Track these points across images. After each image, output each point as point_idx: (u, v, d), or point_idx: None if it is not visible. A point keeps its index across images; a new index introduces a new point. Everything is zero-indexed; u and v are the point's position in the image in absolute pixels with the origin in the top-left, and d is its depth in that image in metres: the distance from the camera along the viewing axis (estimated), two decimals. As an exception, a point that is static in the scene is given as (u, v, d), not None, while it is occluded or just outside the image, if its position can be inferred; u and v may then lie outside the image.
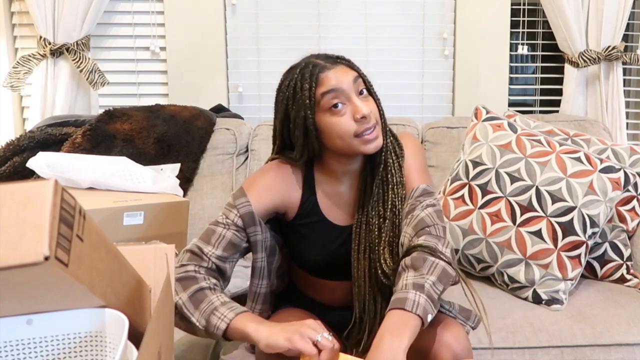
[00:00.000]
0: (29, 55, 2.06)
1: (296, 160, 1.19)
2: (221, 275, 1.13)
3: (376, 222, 1.17)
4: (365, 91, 1.13)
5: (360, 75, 1.14)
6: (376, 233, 1.17)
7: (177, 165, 1.85)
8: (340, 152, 1.15)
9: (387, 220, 1.17)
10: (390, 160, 1.18)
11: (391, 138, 1.21)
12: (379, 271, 1.14)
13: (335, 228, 1.22)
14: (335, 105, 1.09)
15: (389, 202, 1.17)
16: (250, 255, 1.19)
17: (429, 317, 0.98)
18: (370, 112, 1.10)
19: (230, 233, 1.13)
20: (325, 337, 0.94)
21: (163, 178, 1.73)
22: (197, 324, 1.02)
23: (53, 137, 1.81)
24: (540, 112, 2.34)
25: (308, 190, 1.21)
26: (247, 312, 1.03)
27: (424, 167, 1.23)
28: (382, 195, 1.18)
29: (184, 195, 1.82)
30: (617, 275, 1.66)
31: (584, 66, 2.12)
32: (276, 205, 1.19)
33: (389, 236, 1.16)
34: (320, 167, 1.23)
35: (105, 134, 1.81)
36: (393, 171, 1.18)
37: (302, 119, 1.12)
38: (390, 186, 1.17)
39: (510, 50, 2.24)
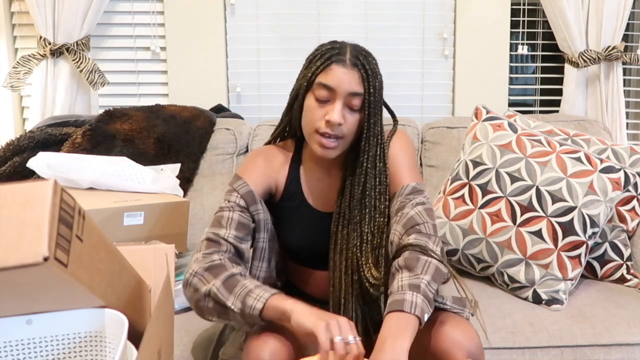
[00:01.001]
0: (29, 55, 2.06)
1: (278, 132, 1.27)
2: (240, 257, 1.15)
3: (356, 218, 1.18)
4: (356, 109, 1.14)
5: (365, 94, 1.14)
6: (358, 231, 1.18)
7: (177, 166, 1.85)
8: (305, 136, 1.20)
9: (365, 223, 1.18)
10: (371, 165, 1.18)
11: (378, 150, 1.19)
12: (363, 273, 1.15)
13: (315, 213, 1.25)
14: (321, 99, 1.14)
15: (368, 204, 1.18)
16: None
17: (426, 317, 0.99)
18: (343, 126, 1.13)
19: (236, 214, 1.16)
20: (342, 342, 0.94)
21: (163, 178, 1.73)
22: (233, 307, 1.03)
23: (53, 137, 1.81)
24: (540, 112, 2.34)
25: (293, 173, 1.26)
26: (281, 293, 1.04)
27: (413, 165, 1.23)
28: (360, 195, 1.19)
29: (184, 196, 1.82)
30: (617, 275, 1.66)
31: (584, 66, 2.12)
32: (269, 183, 1.24)
33: (368, 238, 1.17)
34: (306, 152, 1.27)
35: (105, 134, 1.81)
36: (375, 172, 1.19)
37: (298, 86, 1.19)
38: (368, 187, 1.18)
39: (510, 50, 2.24)
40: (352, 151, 1.20)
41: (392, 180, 1.20)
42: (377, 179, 1.18)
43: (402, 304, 0.98)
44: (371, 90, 1.14)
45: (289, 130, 1.27)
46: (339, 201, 1.21)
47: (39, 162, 1.58)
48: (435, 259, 1.05)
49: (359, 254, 1.17)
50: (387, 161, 1.21)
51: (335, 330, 0.94)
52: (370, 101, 1.14)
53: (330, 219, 1.22)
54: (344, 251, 1.19)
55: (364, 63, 1.14)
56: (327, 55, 1.14)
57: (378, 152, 1.19)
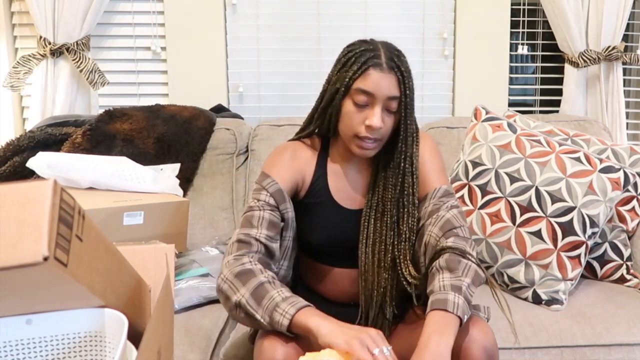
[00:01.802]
0: (29, 55, 2.06)
1: (308, 129, 1.26)
2: (271, 257, 1.15)
3: (394, 217, 1.20)
4: (394, 111, 1.16)
5: (402, 97, 1.15)
6: (395, 230, 1.20)
7: (177, 165, 1.85)
8: (346, 143, 1.20)
9: (404, 222, 1.19)
10: (408, 164, 1.20)
11: (414, 148, 1.22)
12: (401, 270, 1.17)
13: (341, 209, 1.25)
14: (360, 104, 1.14)
15: (407, 202, 1.20)
16: None
17: (465, 318, 1.02)
18: (382, 128, 1.14)
19: (267, 213, 1.15)
20: (383, 354, 0.94)
21: (163, 178, 1.73)
22: (262, 320, 1.02)
23: (53, 137, 1.81)
24: (540, 112, 2.34)
25: (320, 169, 1.26)
26: (309, 306, 1.03)
27: (443, 169, 1.26)
28: (398, 194, 1.20)
29: (184, 195, 1.82)
30: (617, 275, 1.66)
31: (584, 66, 2.12)
32: (296, 179, 1.24)
33: (406, 235, 1.19)
34: (334, 149, 1.27)
35: (105, 134, 1.82)
36: (412, 169, 1.21)
37: (334, 90, 1.17)
38: (406, 186, 1.20)
39: (510, 50, 2.24)
40: (383, 148, 1.21)
41: (422, 182, 1.23)
42: (414, 176, 1.20)
43: (446, 304, 1.00)
44: (407, 92, 1.15)
45: (319, 130, 1.27)
46: (369, 196, 1.22)
47: (39, 162, 1.58)
48: (474, 263, 1.08)
49: (396, 252, 1.19)
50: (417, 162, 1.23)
51: (370, 343, 0.94)
52: (407, 102, 1.15)
53: (356, 216, 1.24)
54: (376, 244, 1.21)
55: (399, 65, 1.15)
56: (362, 59, 1.13)
57: (414, 151, 1.21)
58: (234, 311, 1.06)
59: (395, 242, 1.19)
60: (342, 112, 1.17)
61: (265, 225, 1.14)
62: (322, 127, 1.24)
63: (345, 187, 1.26)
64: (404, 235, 1.19)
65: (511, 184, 1.58)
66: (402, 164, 1.19)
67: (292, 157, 1.24)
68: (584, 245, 1.53)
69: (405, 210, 1.19)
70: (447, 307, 1.00)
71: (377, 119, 1.12)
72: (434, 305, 1.01)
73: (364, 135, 1.14)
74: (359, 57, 1.14)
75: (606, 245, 1.66)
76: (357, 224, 1.23)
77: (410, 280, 1.16)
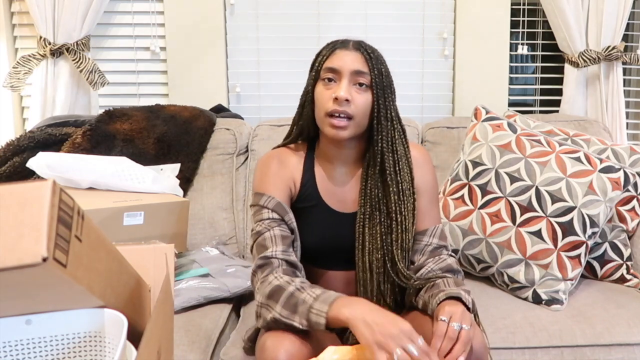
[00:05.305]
0: (29, 56, 2.06)
1: (291, 136, 1.28)
2: (295, 268, 1.15)
3: (382, 218, 1.20)
4: (363, 86, 1.17)
5: (371, 72, 1.16)
6: (384, 212, 1.20)
7: (177, 165, 1.85)
8: (320, 128, 1.21)
9: (392, 202, 1.20)
10: (386, 144, 1.20)
11: (394, 132, 1.21)
12: (391, 264, 1.19)
13: (333, 213, 1.25)
14: (328, 79, 1.17)
15: (390, 182, 1.20)
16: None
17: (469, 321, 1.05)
18: (351, 104, 1.15)
19: (276, 230, 1.16)
20: (403, 354, 0.92)
21: (163, 178, 1.73)
22: (301, 326, 1.02)
23: (53, 137, 1.81)
24: (540, 112, 2.34)
25: (307, 173, 1.26)
26: (339, 297, 1.02)
27: (437, 196, 1.30)
28: (379, 174, 1.21)
29: (184, 195, 1.82)
30: (617, 275, 1.66)
31: (584, 66, 2.12)
32: (289, 186, 1.24)
33: (398, 219, 1.20)
34: (319, 150, 1.27)
35: (105, 134, 1.82)
36: (394, 147, 1.20)
37: (308, 83, 1.22)
38: (387, 165, 1.20)
39: (510, 50, 2.24)
40: (368, 150, 1.21)
41: (425, 210, 1.24)
42: (395, 155, 1.20)
43: (460, 295, 1.06)
44: (376, 71, 1.17)
45: (302, 132, 1.27)
46: (362, 201, 1.21)
47: (39, 162, 1.58)
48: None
49: (385, 236, 1.20)
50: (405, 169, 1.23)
51: (392, 345, 0.93)
52: (377, 82, 1.17)
53: (348, 219, 1.23)
54: (372, 246, 1.21)
55: (366, 47, 1.19)
56: (331, 45, 1.21)
57: (395, 135, 1.21)
58: (274, 326, 1.06)
59: (384, 229, 1.20)
60: (315, 97, 1.20)
61: (278, 241, 1.14)
62: (304, 128, 1.25)
63: (335, 190, 1.25)
64: (393, 216, 1.19)
65: (511, 183, 1.58)
66: (380, 144, 1.18)
67: (279, 165, 1.24)
68: (584, 245, 1.53)
69: (391, 190, 1.19)
70: (461, 297, 1.05)
71: (343, 90, 1.14)
72: (448, 295, 1.06)
73: (332, 110, 1.14)
74: (328, 45, 1.21)
75: (606, 245, 1.66)
76: (351, 226, 1.22)
77: (400, 267, 1.18)
